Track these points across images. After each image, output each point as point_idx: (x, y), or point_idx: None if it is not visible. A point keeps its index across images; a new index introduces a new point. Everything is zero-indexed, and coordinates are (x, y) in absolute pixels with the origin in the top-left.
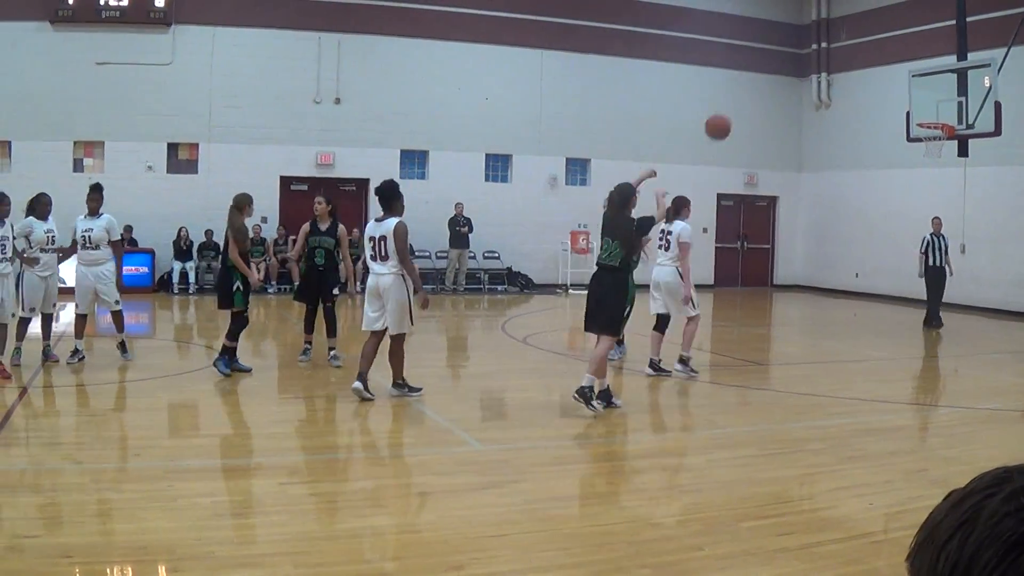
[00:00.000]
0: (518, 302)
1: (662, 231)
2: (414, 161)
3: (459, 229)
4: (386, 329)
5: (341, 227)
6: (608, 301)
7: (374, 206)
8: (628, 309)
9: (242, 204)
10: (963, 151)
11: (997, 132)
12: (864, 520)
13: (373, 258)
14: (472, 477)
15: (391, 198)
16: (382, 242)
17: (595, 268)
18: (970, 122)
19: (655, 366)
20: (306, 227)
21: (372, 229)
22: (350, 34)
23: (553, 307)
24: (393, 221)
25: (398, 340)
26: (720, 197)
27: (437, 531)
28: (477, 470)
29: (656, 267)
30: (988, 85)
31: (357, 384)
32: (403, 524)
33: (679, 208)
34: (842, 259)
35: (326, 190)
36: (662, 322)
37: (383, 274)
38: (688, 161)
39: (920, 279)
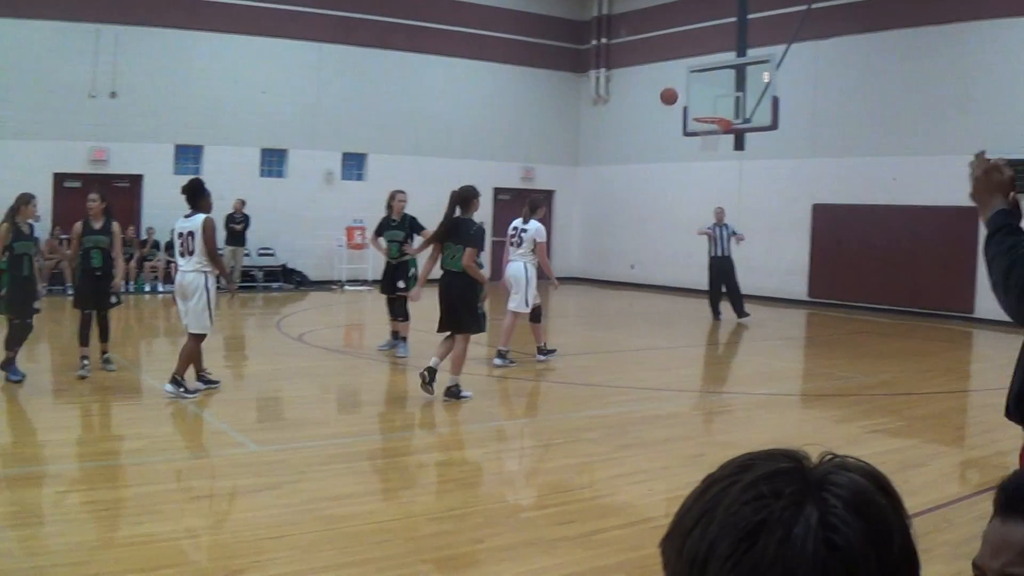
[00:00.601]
0: (293, 299)
1: (514, 228)
2: (189, 156)
3: (234, 226)
4: None
5: (115, 224)
6: (460, 306)
7: (147, 203)
8: (482, 307)
9: (17, 204)
10: (739, 145)
11: (774, 126)
12: (644, 506)
13: (181, 254)
14: (250, 479)
15: (197, 196)
16: (189, 237)
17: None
18: (747, 117)
19: (542, 351)
20: (78, 226)
21: (180, 225)
22: (129, 26)
23: (328, 304)
24: (201, 217)
25: (195, 339)
26: (497, 191)
27: (216, 535)
28: (255, 472)
29: (509, 262)
30: (767, 80)
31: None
32: (182, 529)
33: (535, 207)
34: (618, 251)
35: (100, 187)
36: (534, 313)
37: (187, 271)
38: (466, 156)
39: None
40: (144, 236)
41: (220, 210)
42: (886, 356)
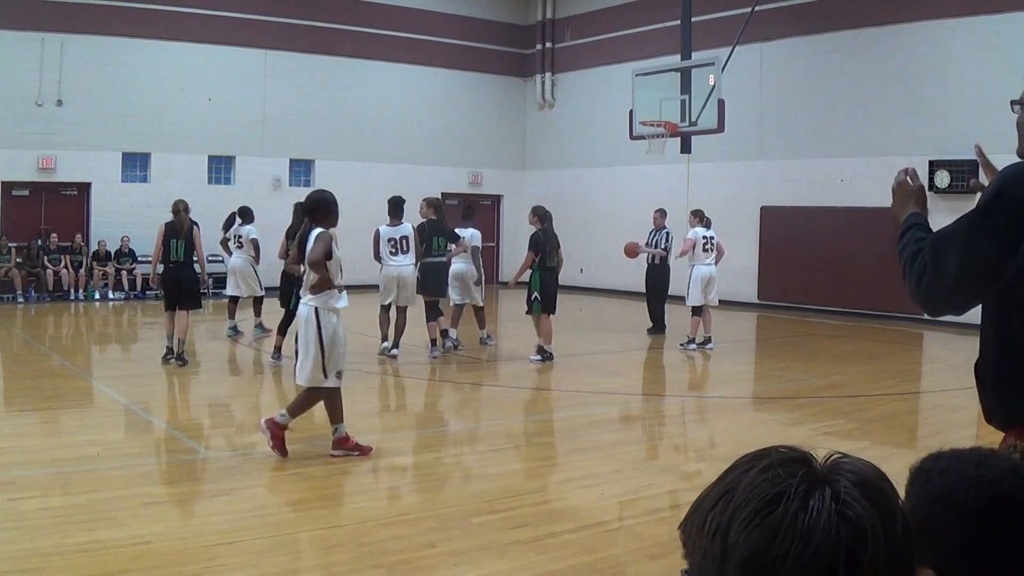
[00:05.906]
0: (243, 305)
1: (706, 237)
2: (136, 164)
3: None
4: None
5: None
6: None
7: (95, 211)
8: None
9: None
10: (686, 148)
11: (720, 129)
12: (596, 509)
13: (393, 253)
14: (202, 485)
15: (400, 208)
16: (403, 240)
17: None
18: (693, 119)
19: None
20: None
21: (390, 232)
22: (74, 34)
23: (280, 310)
24: (409, 225)
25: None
26: (445, 196)
27: (168, 541)
28: (206, 478)
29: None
30: (712, 83)
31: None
32: (134, 535)
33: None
34: (567, 255)
35: (47, 195)
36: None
37: (404, 265)
38: (413, 161)
39: (676, 262)
40: (95, 247)
41: (167, 218)
42: (837, 358)
